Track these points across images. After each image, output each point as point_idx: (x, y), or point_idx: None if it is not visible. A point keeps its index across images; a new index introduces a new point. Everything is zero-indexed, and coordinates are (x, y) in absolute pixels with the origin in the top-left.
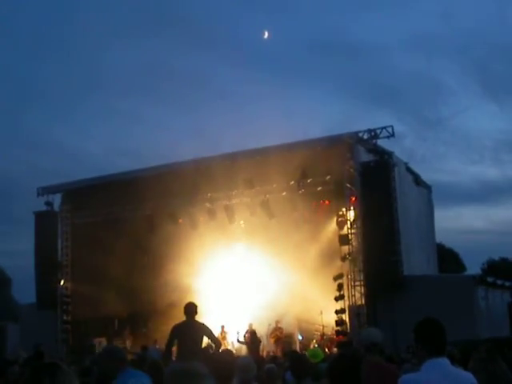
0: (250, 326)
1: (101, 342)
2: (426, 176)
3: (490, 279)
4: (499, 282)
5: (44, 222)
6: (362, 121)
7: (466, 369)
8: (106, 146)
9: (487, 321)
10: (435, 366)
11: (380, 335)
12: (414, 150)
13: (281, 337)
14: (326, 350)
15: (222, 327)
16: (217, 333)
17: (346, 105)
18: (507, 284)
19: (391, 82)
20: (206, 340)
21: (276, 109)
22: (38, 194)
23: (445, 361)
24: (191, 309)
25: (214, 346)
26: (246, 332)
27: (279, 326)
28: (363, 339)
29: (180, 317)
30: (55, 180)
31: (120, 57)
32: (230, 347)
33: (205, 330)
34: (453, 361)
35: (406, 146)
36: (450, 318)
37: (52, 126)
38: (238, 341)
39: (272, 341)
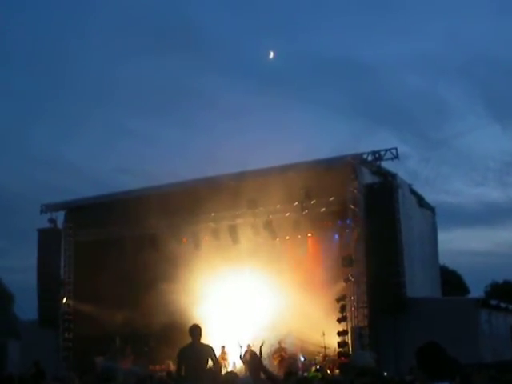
0: (249, 347)
1: (101, 361)
2: (429, 197)
3: (493, 302)
4: (503, 304)
5: (47, 239)
6: (366, 141)
7: None
8: (112, 164)
9: (490, 344)
10: None
11: (370, 359)
12: (418, 171)
13: (285, 357)
14: (328, 371)
15: (223, 348)
16: (217, 353)
17: (350, 125)
18: (511, 307)
19: (395, 102)
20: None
21: (280, 129)
22: (42, 211)
23: None
24: (196, 331)
25: (213, 368)
26: (246, 352)
27: (283, 346)
28: (353, 363)
29: (181, 337)
30: (60, 197)
31: (129, 76)
32: (230, 367)
33: (208, 352)
34: None
35: (409, 167)
36: (453, 341)
37: (59, 143)
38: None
39: (275, 362)
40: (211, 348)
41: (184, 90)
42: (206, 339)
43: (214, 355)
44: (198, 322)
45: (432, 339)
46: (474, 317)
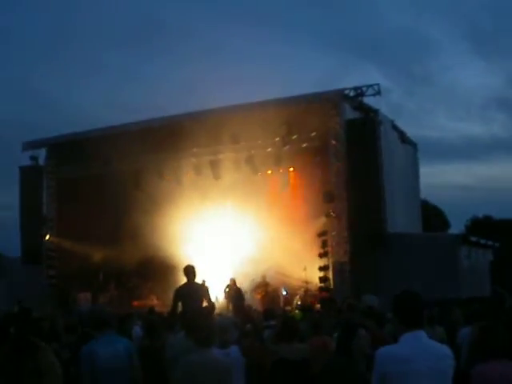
0: (233, 281)
1: (86, 296)
2: (412, 132)
3: (473, 238)
4: (482, 241)
5: (29, 176)
6: (349, 75)
7: (448, 329)
8: (93, 100)
9: (469, 280)
10: (412, 339)
11: (376, 302)
12: (401, 106)
13: (269, 291)
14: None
15: (203, 282)
16: None
17: (333, 60)
18: (490, 243)
19: (379, 37)
20: None
21: (262, 64)
22: (23, 149)
23: (421, 334)
24: (190, 271)
25: (208, 307)
26: (227, 286)
27: (266, 280)
28: (362, 303)
29: (164, 273)
30: (41, 134)
31: (110, 8)
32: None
33: (203, 291)
34: (432, 321)
35: (392, 102)
36: (433, 277)
37: (39, 79)
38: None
39: (258, 296)
40: (206, 288)
41: (160, 22)
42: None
43: (209, 295)
44: (180, 258)
45: (413, 274)
46: (455, 252)
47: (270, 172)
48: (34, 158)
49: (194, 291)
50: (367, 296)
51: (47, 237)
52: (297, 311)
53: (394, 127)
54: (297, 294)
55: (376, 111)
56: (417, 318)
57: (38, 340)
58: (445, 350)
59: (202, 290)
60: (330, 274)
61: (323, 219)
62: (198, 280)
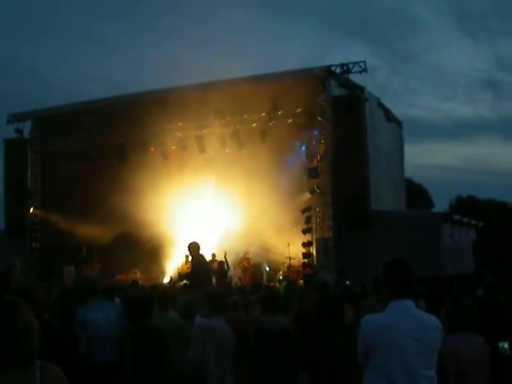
0: (214, 256)
1: (69, 270)
2: (397, 111)
3: (456, 217)
4: (465, 219)
5: (14, 149)
6: (335, 52)
7: (430, 304)
8: (78, 73)
9: (452, 258)
10: (399, 307)
11: (329, 276)
12: (387, 84)
13: (248, 267)
14: None
15: (187, 257)
16: (181, 262)
17: (320, 37)
18: (473, 222)
19: (366, 14)
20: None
21: (249, 39)
22: (8, 121)
23: (409, 303)
24: (195, 247)
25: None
26: (212, 261)
27: (247, 256)
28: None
29: (148, 246)
30: (26, 107)
31: None
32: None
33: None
34: (416, 298)
35: (378, 80)
36: (417, 254)
37: (23, 52)
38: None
39: (239, 271)
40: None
41: None
42: (172, 248)
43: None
44: (163, 232)
45: (396, 252)
46: (438, 231)
47: (255, 147)
48: (19, 131)
49: (203, 266)
50: (322, 272)
51: (31, 210)
52: (284, 282)
53: (380, 105)
54: (280, 270)
55: (362, 88)
56: (405, 286)
57: (15, 297)
58: (433, 320)
59: (208, 267)
60: (314, 250)
61: (307, 195)
62: (183, 253)
